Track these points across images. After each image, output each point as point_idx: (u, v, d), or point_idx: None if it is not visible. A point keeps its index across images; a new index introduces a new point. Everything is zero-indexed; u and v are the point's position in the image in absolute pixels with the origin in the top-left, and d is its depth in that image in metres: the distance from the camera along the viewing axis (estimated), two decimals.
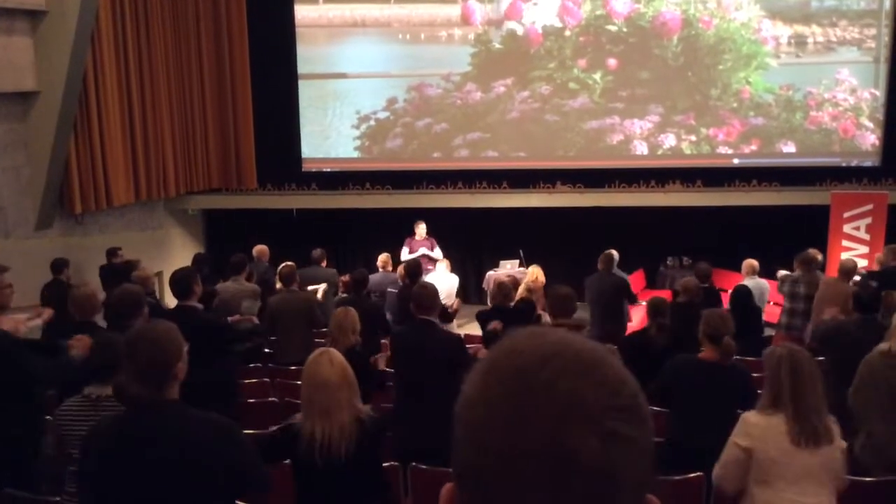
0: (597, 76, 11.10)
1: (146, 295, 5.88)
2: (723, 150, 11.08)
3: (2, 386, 3.97)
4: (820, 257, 7.90)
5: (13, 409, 3.99)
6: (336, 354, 3.15)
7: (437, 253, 9.63)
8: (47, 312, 5.73)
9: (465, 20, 11.23)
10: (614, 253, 7.92)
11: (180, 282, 5.13)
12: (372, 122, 11.55)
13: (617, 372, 0.75)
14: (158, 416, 2.46)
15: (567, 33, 11.08)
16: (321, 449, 3.00)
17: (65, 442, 3.33)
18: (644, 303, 7.02)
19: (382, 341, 6.28)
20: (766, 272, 8.14)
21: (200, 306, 5.27)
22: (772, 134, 10.99)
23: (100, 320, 4.91)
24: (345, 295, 7.20)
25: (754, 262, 7.80)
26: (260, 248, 8.77)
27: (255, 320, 6.92)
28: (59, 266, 7.76)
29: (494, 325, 5.37)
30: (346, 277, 7.28)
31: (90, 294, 4.84)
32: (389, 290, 7.99)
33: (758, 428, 3.14)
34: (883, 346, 4.14)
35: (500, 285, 6.26)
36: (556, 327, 4.58)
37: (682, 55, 10.96)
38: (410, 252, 9.66)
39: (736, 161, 11.03)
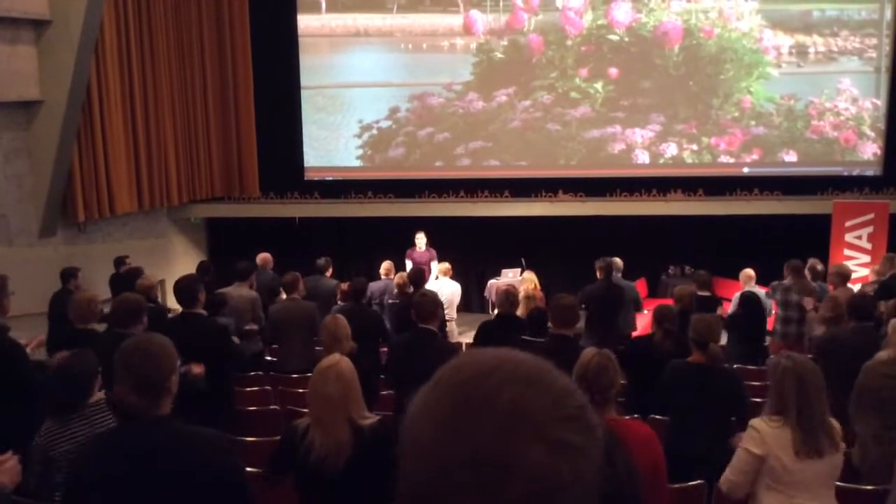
0: (598, 85, 11.14)
1: (149, 302, 5.91)
2: (724, 159, 11.10)
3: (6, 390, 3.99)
4: (820, 266, 7.89)
5: (9, 412, 4.00)
6: (344, 368, 3.08)
7: (435, 267, 9.27)
8: (36, 340, 5.65)
9: (467, 30, 11.27)
10: (617, 260, 7.90)
11: (185, 289, 5.17)
12: (374, 132, 11.58)
13: (563, 383, 0.74)
14: (153, 433, 2.47)
15: (568, 43, 11.12)
16: (317, 460, 3.00)
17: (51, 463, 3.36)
18: (647, 311, 7.01)
19: (383, 349, 6.27)
20: (769, 281, 8.12)
21: (205, 313, 5.30)
22: (773, 143, 11.01)
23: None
24: (342, 303, 7.18)
25: (751, 272, 7.84)
26: (263, 256, 8.77)
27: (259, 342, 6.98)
28: (67, 275, 7.60)
29: None
30: (345, 286, 7.27)
31: (89, 299, 4.87)
32: (387, 300, 7.95)
33: (769, 436, 3.16)
34: (882, 354, 4.07)
35: (505, 293, 6.18)
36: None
37: (684, 65, 10.99)
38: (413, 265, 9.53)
39: (746, 170, 11.04)
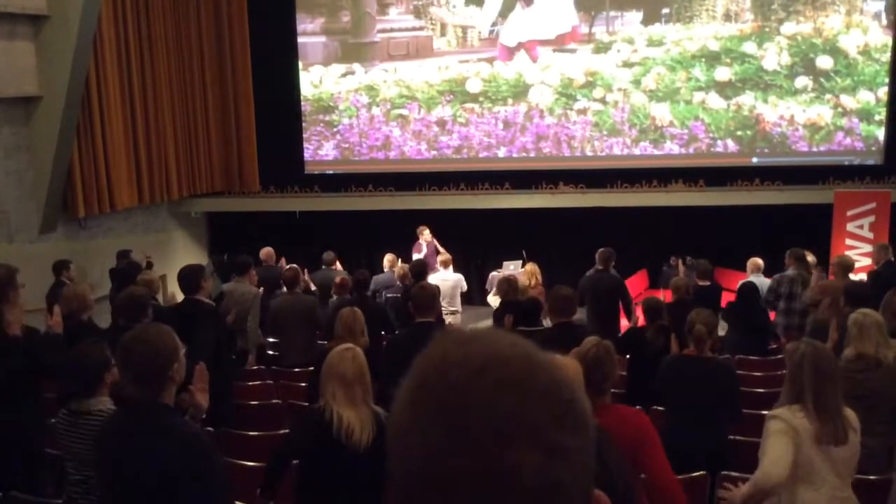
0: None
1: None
2: (722, 149, 11.06)
3: (12, 387, 3.98)
4: (811, 258, 7.85)
5: (20, 412, 4.00)
6: (359, 353, 3.19)
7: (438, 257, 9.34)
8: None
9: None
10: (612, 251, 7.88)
11: (188, 277, 5.26)
12: (375, 124, 11.56)
13: (550, 375, 0.71)
14: (151, 422, 2.50)
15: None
16: (347, 432, 3.02)
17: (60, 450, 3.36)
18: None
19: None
20: (771, 271, 8.11)
21: (207, 300, 5.32)
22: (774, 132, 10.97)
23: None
24: (336, 296, 7.15)
25: (759, 261, 7.72)
26: (267, 251, 8.76)
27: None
28: (59, 267, 7.54)
29: (507, 319, 5.43)
30: (338, 279, 7.24)
31: (82, 291, 4.89)
32: (387, 294, 7.92)
33: (798, 427, 3.06)
34: (847, 352, 4.00)
35: (507, 280, 6.31)
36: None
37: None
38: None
39: (754, 160, 10.98)
